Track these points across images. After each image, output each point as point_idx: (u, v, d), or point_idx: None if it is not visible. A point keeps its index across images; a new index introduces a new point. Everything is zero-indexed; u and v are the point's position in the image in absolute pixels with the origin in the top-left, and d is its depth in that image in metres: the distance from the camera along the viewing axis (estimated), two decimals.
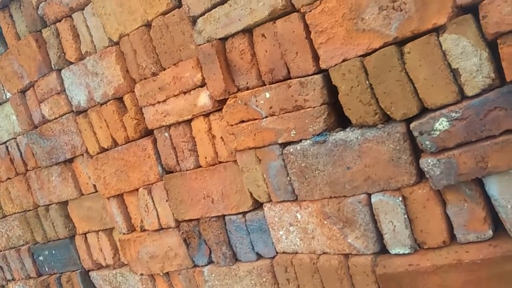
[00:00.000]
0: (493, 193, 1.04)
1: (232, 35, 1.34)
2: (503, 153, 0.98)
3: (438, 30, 1.02)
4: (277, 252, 1.46)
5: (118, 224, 1.90)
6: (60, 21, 1.82)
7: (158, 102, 1.60)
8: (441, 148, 1.06)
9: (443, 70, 1.03)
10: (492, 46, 0.97)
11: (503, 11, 0.91)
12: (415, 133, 1.08)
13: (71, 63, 1.84)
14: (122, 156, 1.77)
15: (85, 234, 2.14)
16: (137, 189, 1.78)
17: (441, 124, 1.04)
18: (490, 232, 1.07)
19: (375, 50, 1.11)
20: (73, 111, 1.90)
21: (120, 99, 1.74)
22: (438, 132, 1.05)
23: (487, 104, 0.98)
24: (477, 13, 0.95)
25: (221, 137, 1.50)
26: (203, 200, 1.60)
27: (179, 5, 1.45)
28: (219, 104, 1.45)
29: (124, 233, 1.90)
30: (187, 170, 1.63)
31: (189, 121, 1.57)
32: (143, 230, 1.84)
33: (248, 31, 1.32)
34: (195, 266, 1.71)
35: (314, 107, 1.24)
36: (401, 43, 1.08)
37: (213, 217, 1.60)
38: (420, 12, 1.02)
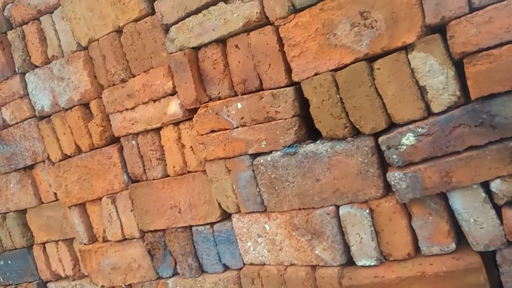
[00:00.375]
0: (457, 207, 1.04)
1: (206, 45, 1.30)
2: (467, 169, 0.99)
3: (407, 48, 1.02)
4: (244, 264, 1.40)
5: (79, 234, 1.77)
6: (27, 23, 1.71)
7: (126, 109, 1.52)
8: (408, 163, 1.05)
9: (411, 87, 1.03)
10: (458, 65, 0.98)
11: (469, 32, 0.92)
12: (383, 147, 1.07)
13: (36, 66, 1.72)
14: (85, 164, 1.67)
15: (43, 244, 1.99)
16: (100, 198, 1.67)
17: (408, 139, 1.04)
18: (453, 245, 1.07)
19: (346, 65, 1.10)
20: (35, 116, 1.78)
21: (86, 105, 1.64)
22: (405, 147, 1.04)
23: (453, 121, 0.99)
24: (445, 33, 0.96)
25: (191, 147, 1.43)
26: (169, 210, 1.52)
27: (152, 13, 1.39)
28: (190, 113, 1.39)
29: (85, 244, 1.78)
30: (154, 179, 1.55)
31: (158, 130, 1.50)
32: (105, 240, 1.72)
33: (221, 41, 1.28)
34: (159, 278, 1.61)
35: (286, 119, 1.21)
36: (371, 59, 1.07)
37: (179, 227, 1.52)
38: (390, 30, 1.02)
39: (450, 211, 1.07)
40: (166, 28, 1.36)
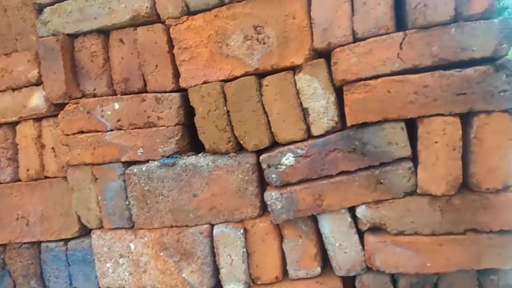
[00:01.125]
0: (325, 231, 1.04)
1: (84, 34, 1.14)
2: (337, 193, 1.00)
3: (295, 69, 1.02)
4: None
5: None
6: None
7: None
8: (285, 183, 1.03)
9: (295, 107, 1.02)
10: (339, 91, 1.00)
11: (351, 61, 0.95)
12: (264, 166, 1.03)
13: None
14: None
15: None
16: None
17: (288, 159, 1.02)
18: (319, 269, 1.06)
19: (236, 78, 1.05)
20: None
21: None
22: (284, 167, 1.02)
23: (329, 145, 1.00)
24: (330, 58, 0.98)
25: (52, 148, 1.22)
26: (15, 222, 1.25)
27: None
28: (56, 108, 1.19)
29: None
30: (1, 183, 1.27)
31: (13, 124, 1.25)
32: None
33: (104, 32, 1.14)
34: None
35: (168, 126, 1.10)
36: (261, 75, 1.05)
37: (25, 243, 1.25)
38: (281, 48, 1.01)
39: (319, 235, 1.06)
40: (39, 8, 1.16)
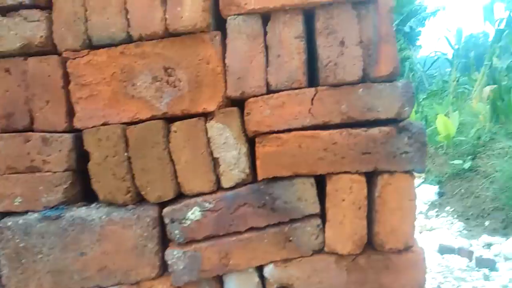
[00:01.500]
0: None
1: None
2: (245, 251, 0.93)
3: (207, 116, 0.95)
4: None
5: None
6: None
7: None
8: (190, 240, 0.93)
9: (205, 157, 0.95)
10: (251, 143, 0.95)
11: (264, 113, 0.92)
12: (166, 220, 0.93)
13: None
14: None
15: None
16: None
17: (194, 214, 0.92)
18: None
19: (141, 121, 0.95)
20: None
21: None
22: (189, 222, 0.92)
23: (238, 198, 0.93)
24: (244, 108, 0.94)
25: None
26: None
27: None
28: None
29: None
30: None
31: None
32: None
33: None
34: None
35: (55, 172, 0.94)
36: (170, 120, 0.96)
37: None
38: (193, 93, 0.94)
39: None
40: None
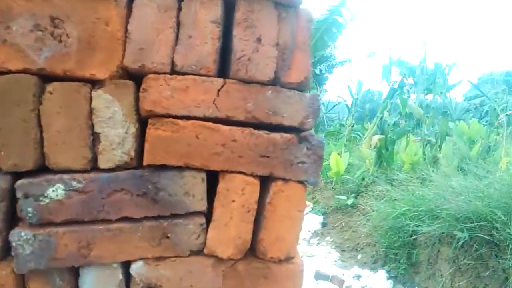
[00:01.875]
0: None
1: None
2: (112, 243, 0.79)
3: (94, 84, 0.81)
4: None
5: None
6: None
7: None
8: (45, 221, 0.76)
9: (83, 129, 0.80)
10: (143, 123, 0.84)
11: (163, 93, 0.81)
12: (19, 194, 0.75)
13: None
14: None
15: None
16: None
17: (56, 192, 0.76)
18: None
19: (10, 72, 0.77)
20: None
21: None
22: (48, 200, 0.76)
23: (115, 182, 0.80)
24: (141, 83, 0.82)
25: None
26: None
27: None
28: None
29: None
30: None
31: None
32: None
33: None
34: None
35: None
36: (47, 79, 0.80)
37: None
38: (82, 54, 0.80)
39: None
40: None
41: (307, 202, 5.34)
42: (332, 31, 6.34)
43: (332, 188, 5.50)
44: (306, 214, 5.13)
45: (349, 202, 4.81)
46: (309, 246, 4.38)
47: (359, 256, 4.01)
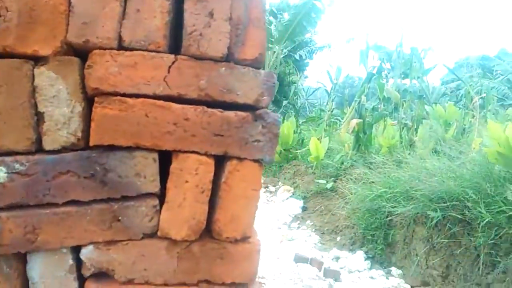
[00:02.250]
0: (34, 275, 0.77)
1: None
2: (60, 227, 0.76)
3: (37, 61, 0.77)
4: None
5: None
6: None
7: None
8: None
9: (25, 109, 0.76)
10: (90, 102, 0.80)
11: (110, 70, 0.78)
12: None
13: None
14: None
15: None
16: None
17: None
18: None
19: None
20: None
21: None
22: None
23: (61, 164, 0.76)
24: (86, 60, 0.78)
25: None
26: None
27: None
28: None
29: None
30: None
31: None
32: None
33: None
34: None
35: None
36: None
37: None
38: (23, 29, 0.76)
39: (27, 280, 0.78)
40: None
41: (288, 187, 5.38)
42: (311, 16, 6.30)
43: (312, 172, 5.54)
44: (287, 199, 5.17)
45: (329, 186, 4.85)
46: (289, 230, 4.42)
47: (338, 238, 4.07)
